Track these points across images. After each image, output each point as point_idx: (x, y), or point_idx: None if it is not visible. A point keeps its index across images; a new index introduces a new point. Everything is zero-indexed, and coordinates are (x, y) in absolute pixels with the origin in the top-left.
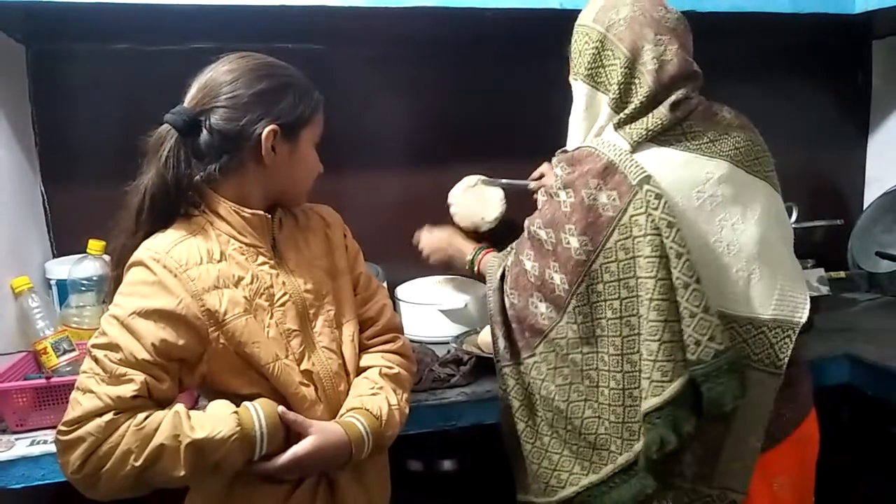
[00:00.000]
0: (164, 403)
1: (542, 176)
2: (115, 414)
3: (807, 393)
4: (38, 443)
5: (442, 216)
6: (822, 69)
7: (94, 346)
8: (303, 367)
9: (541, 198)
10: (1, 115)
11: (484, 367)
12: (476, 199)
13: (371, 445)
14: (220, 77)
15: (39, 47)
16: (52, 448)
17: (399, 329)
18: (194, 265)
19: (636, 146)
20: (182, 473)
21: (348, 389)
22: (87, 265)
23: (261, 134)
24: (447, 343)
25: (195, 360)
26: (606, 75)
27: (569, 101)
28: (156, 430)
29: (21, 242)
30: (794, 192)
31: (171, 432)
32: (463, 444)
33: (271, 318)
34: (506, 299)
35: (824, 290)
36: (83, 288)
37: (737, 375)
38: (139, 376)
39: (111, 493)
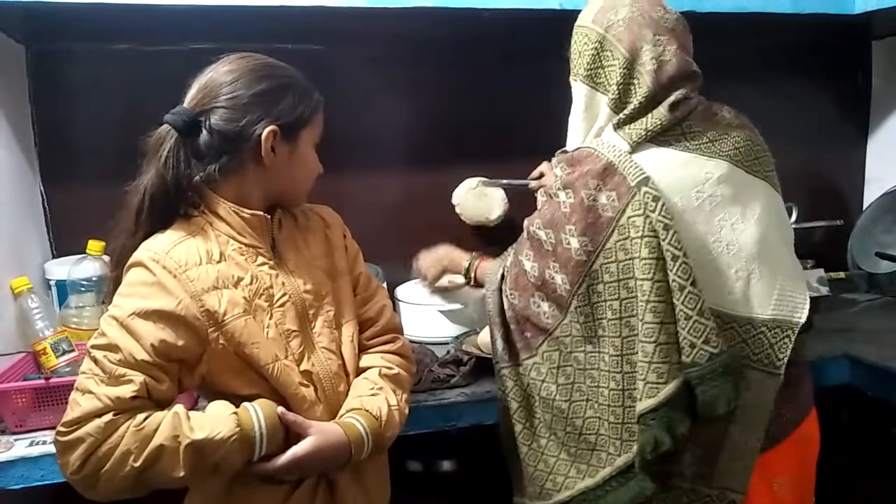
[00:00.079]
0: (163, 404)
1: (541, 175)
2: (114, 415)
3: (807, 393)
4: (38, 443)
5: (442, 216)
6: (822, 69)
7: (93, 346)
8: (302, 367)
9: (540, 198)
10: (1, 115)
11: (483, 367)
12: (478, 200)
13: (370, 446)
14: (220, 77)
15: (39, 47)
16: (52, 449)
17: (399, 329)
18: (194, 266)
19: (635, 146)
20: (181, 474)
21: (348, 390)
22: (87, 266)
23: (260, 134)
24: (447, 344)
25: (194, 361)
26: (605, 76)
27: (568, 102)
28: (155, 430)
29: (20, 243)
30: (793, 193)
31: (171, 433)
32: (462, 445)
33: (271, 318)
34: (505, 300)
35: (824, 290)
36: (83, 288)
37: (731, 379)
38: (138, 377)
39: (111, 494)
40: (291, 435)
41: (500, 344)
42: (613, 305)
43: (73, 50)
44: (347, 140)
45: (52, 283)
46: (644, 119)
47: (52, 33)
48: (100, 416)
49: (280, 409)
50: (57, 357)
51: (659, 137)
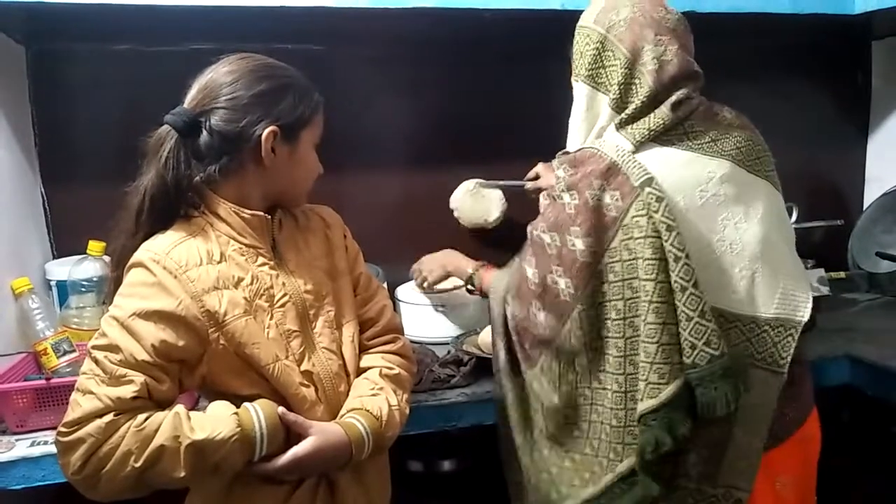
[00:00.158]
0: (164, 404)
1: (537, 176)
2: (115, 415)
3: (808, 392)
4: (39, 444)
5: (442, 216)
6: (822, 69)
7: (94, 347)
8: (303, 367)
9: (543, 201)
10: (1, 115)
11: (484, 367)
12: (476, 202)
13: (371, 446)
14: (220, 78)
15: (39, 48)
16: (53, 449)
17: (399, 330)
18: (194, 266)
19: (638, 146)
20: (182, 474)
21: (348, 390)
22: (87, 266)
23: (261, 135)
24: (447, 344)
25: (195, 361)
26: (607, 76)
27: (568, 102)
28: (156, 431)
29: (21, 243)
30: (793, 193)
31: (171, 433)
32: (463, 445)
33: (271, 318)
34: (507, 309)
35: (824, 290)
36: (83, 289)
37: (731, 381)
38: (139, 377)
39: (111, 494)
40: (292, 435)
41: (502, 354)
42: (618, 306)
43: (73, 50)
44: (347, 140)
45: (52, 283)
46: (647, 119)
47: (52, 33)
48: (101, 416)
49: (281, 409)
50: (58, 357)
51: (662, 137)
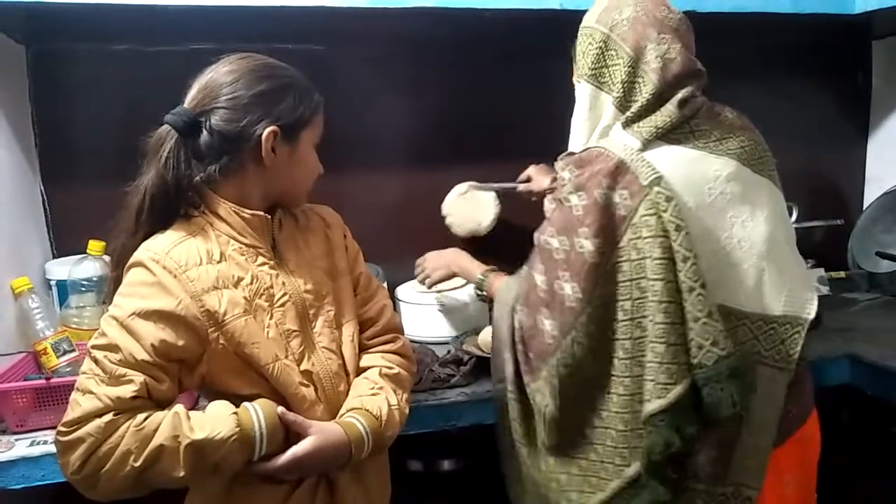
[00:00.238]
0: (163, 404)
1: (528, 178)
2: (114, 415)
3: (809, 392)
4: (38, 443)
5: (442, 216)
6: (823, 69)
7: (93, 346)
8: (302, 367)
9: (549, 205)
10: (1, 115)
11: (484, 367)
12: (470, 205)
13: (371, 445)
14: (220, 78)
15: (39, 47)
16: (52, 448)
17: (399, 329)
18: (194, 266)
19: (646, 144)
20: (181, 474)
21: (348, 390)
22: (87, 266)
23: (261, 135)
24: (447, 343)
25: (195, 361)
26: (610, 75)
27: (568, 101)
28: (155, 430)
29: (21, 243)
30: (794, 192)
31: (171, 433)
32: (463, 444)
33: (271, 318)
34: (515, 318)
35: (824, 290)
36: (83, 288)
37: (737, 381)
38: (139, 377)
39: (111, 494)
40: (292, 435)
41: (509, 366)
42: (625, 306)
43: (73, 50)
44: (347, 140)
45: (52, 283)
46: (653, 117)
47: (52, 33)
48: (100, 416)
49: (280, 408)
50: (57, 357)
51: (668, 135)
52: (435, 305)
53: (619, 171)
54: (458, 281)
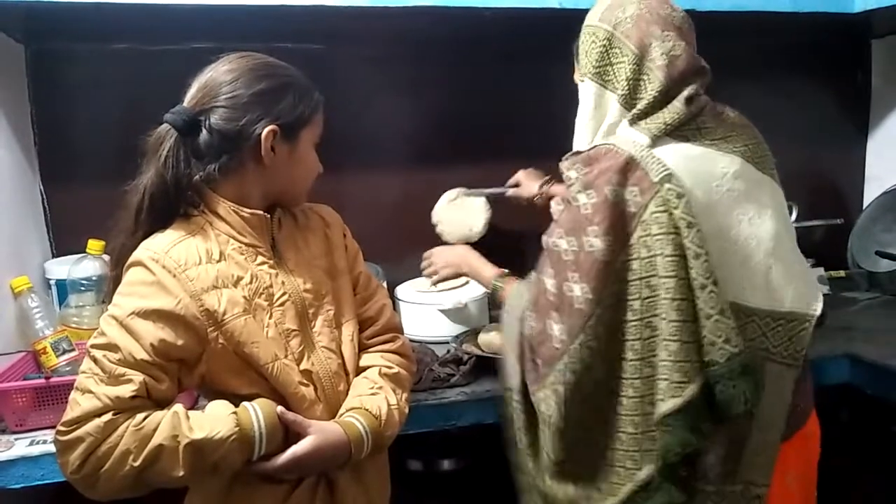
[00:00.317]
0: (163, 404)
1: (517, 184)
2: (113, 414)
3: (810, 389)
4: (38, 443)
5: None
6: (822, 68)
7: (93, 346)
8: (302, 366)
9: (556, 207)
10: (0, 114)
11: (484, 366)
12: (460, 211)
13: (370, 445)
14: (219, 77)
15: (39, 47)
16: (52, 448)
17: (399, 329)
18: (193, 265)
19: (655, 140)
20: (181, 474)
21: (348, 389)
22: (87, 265)
23: (260, 134)
24: (447, 343)
25: (194, 361)
26: (614, 73)
27: (568, 100)
28: (154, 430)
29: (20, 242)
30: (794, 192)
31: (170, 432)
32: (463, 444)
33: (270, 317)
34: (525, 324)
35: (824, 289)
36: (83, 288)
37: (749, 379)
38: (138, 376)
39: (110, 494)
40: (291, 434)
41: (514, 373)
42: (634, 306)
43: (73, 49)
44: (347, 140)
45: (52, 282)
46: (661, 113)
47: (52, 33)
48: (99, 415)
49: (279, 408)
50: (57, 356)
51: (676, 132)
52: (435, 305)
53: (628, 167)
54: (458, 280)
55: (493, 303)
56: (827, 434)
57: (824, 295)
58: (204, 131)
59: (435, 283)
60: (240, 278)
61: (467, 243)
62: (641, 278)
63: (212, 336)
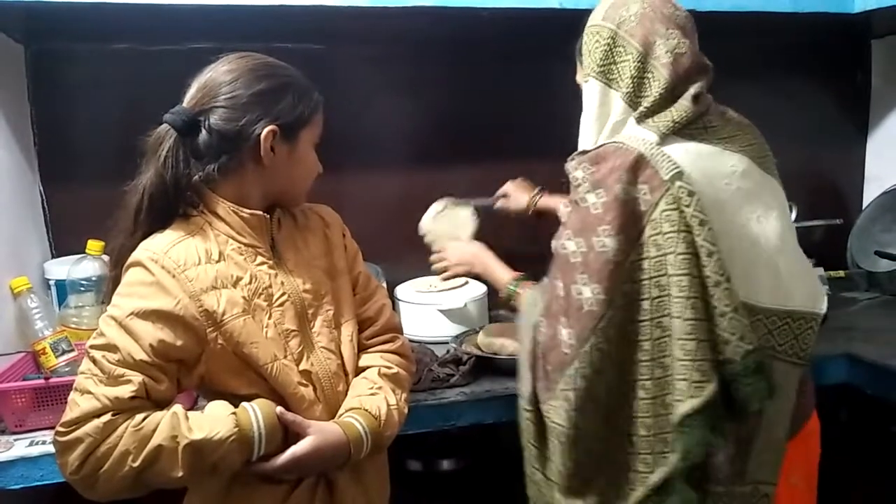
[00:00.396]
0: (162, 404)
1: (506, 195)
2: (113, 415)
3: (812, 388)
4: (37, 443)
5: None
6: (822, 68)
7: (92, 346)
8: (301, 367)
9: (563, 209)
10: (0, 115)
11: (483, 366)
12: (448, 222)
13: (370, 445)
14: (219, 77)
15: (38, 47)
16: (51, 449)
17: (398, 329)
18: (192, 265)
19: (663, 138)
20: (180, 474)
21: (347, 389)
22: (86, 265)
23: (260, 134)
24: (446, 343)
25: (193, 361)
26: (618, 71)
27: (567, 100)
28: (154, 430)
29: (20, 243)
30: (793, 191)
31: (169, 433)
32: (462, 444)
33: (270, 318)
34: (537, 331)
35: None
36: (82, 288)
37: (764, 376)
38: (137, 377)
39: (109, 494)
40: (290, 434)
41: (527, 382)
42: (644, 306)
43: (72, 49)
44: (347, 140)
45: (51, 282)
46: (669, 111)
47: (51, 33)
48: (98, 416)
49: (279, 408)
50: (56, 357)
51: (683, 131)
52: (434, 305)
53: (638, 165)
54: (459, 280)
55: (496, 303)
56: (826, 434)
57: None
58: (203, 131)
59: (445, 279)
60: (239, 279)
61: None
62: (651, 278)
63: (211, 336)
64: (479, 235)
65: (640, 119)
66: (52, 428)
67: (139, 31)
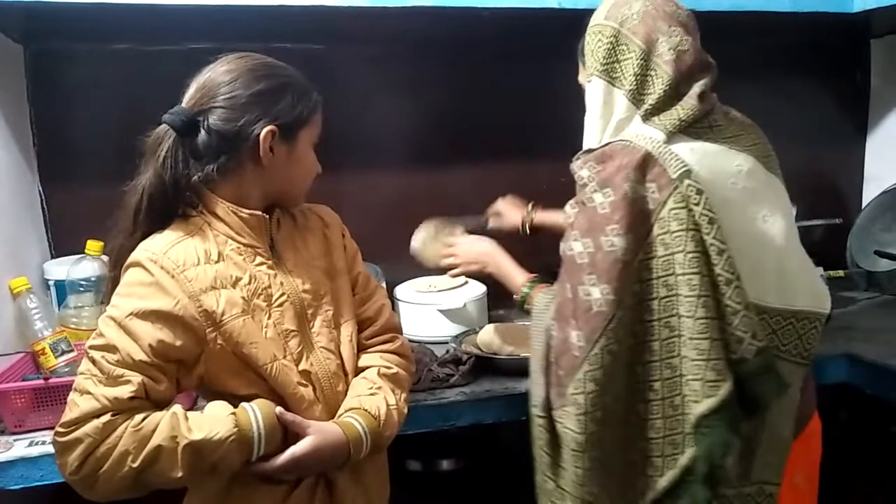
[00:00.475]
0: (161, 404)
1: (497, 214)
2: (112, 415)
3: (813, 388)
4: (37, 444)
5: (441, 216)
6: (822, 68)
7: (91, 347)
8: (301, 367)
9: (570, 210)
10: None
11: (483, 366)
12: (437, 243)
13: (369, 445)
14: (218, 77)
15: (38, 47)
16: (51, 449)
17: (398, 329)
18: (192, 266)
19: (670, 136)
20: (180, 474)
21: (346, 389)
22: (86, 266)
23: (259, 134)
24: (446, 343)
25: (193, 361)
26: (622, 69)
27: (568, 100)
28: (153, 431)
29: (19, 243)
30: (793, 191)
31: (169, 433)
32: (462, 444)
33: (269, 318)
34: (549, 334)
35: None
36: (81, 288)
37: (775, 374)
38: (136, 377)
39: (109, 494)
40: (290, 435)
41: (539, 388)
42: (653, 306)
43: (72, 50)
44: (347, 140)
45: (50, 283)
46: (674, 109)
47: (51, 33)
48: (98, 416)
49: (278, 409)
50: (56, 357)
51: (689, 129)
52: (434, 305)
53: (646, 163)
54: (459, 280)
55: (496, 303)
56: (826, 434)
57: None
58: (202, 132)
59: (454, 276)
60: (238, 279)
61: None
62: (659, 277)
63: (210, 337)
64: None
65: (646, 117)
66: (52, 428)
67: (139, 31)
